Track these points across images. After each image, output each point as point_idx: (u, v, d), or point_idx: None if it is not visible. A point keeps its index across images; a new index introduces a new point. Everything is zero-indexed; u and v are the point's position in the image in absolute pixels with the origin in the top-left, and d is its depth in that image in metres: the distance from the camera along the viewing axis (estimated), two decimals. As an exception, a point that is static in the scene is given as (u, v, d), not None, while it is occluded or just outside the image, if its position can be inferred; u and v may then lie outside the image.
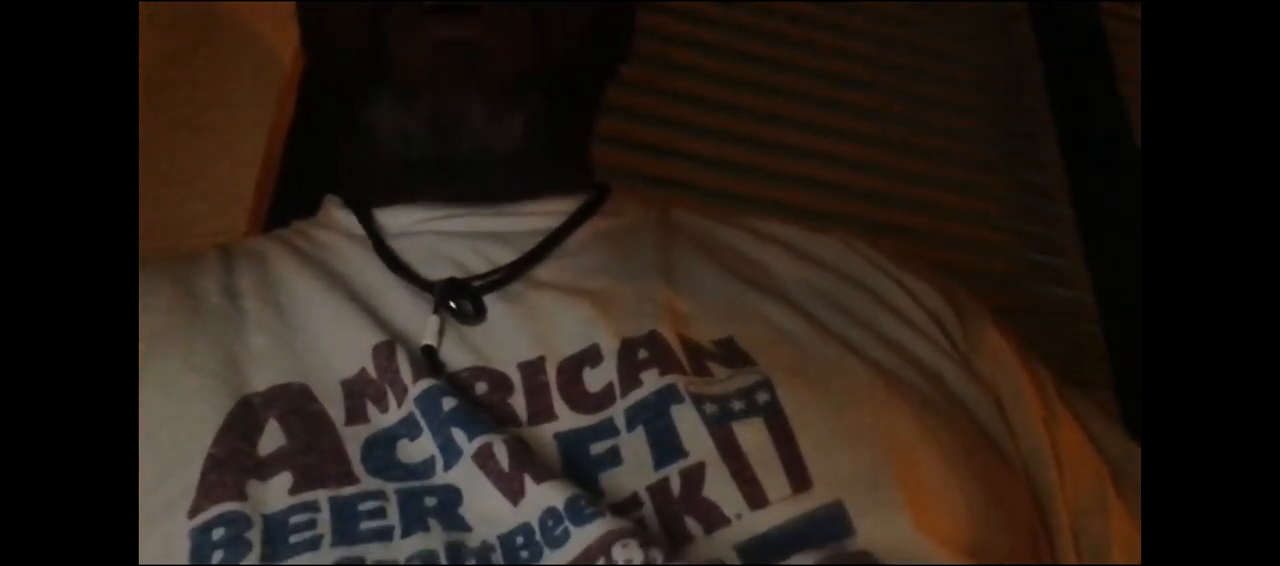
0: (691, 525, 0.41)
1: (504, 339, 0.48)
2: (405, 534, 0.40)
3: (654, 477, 0.42)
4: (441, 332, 0.48)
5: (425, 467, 0.43)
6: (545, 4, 0.54)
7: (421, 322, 0.48)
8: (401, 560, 0.39)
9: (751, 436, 0.43)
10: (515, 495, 0.40)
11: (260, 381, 0.46)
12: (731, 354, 0.47)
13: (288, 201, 0.79)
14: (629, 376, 0.45)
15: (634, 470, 0.42)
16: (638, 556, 0.37)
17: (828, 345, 0.49)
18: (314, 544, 0.40)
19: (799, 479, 0.42)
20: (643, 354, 0.46)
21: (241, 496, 0.41)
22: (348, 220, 0.55)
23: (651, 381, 0.45)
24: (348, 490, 0.42)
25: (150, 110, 0.79)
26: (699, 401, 0.44)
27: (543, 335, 0.47)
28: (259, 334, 0.48)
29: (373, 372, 0.46)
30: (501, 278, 0.50)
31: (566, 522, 0.39)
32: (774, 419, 0.43)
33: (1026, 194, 1.18)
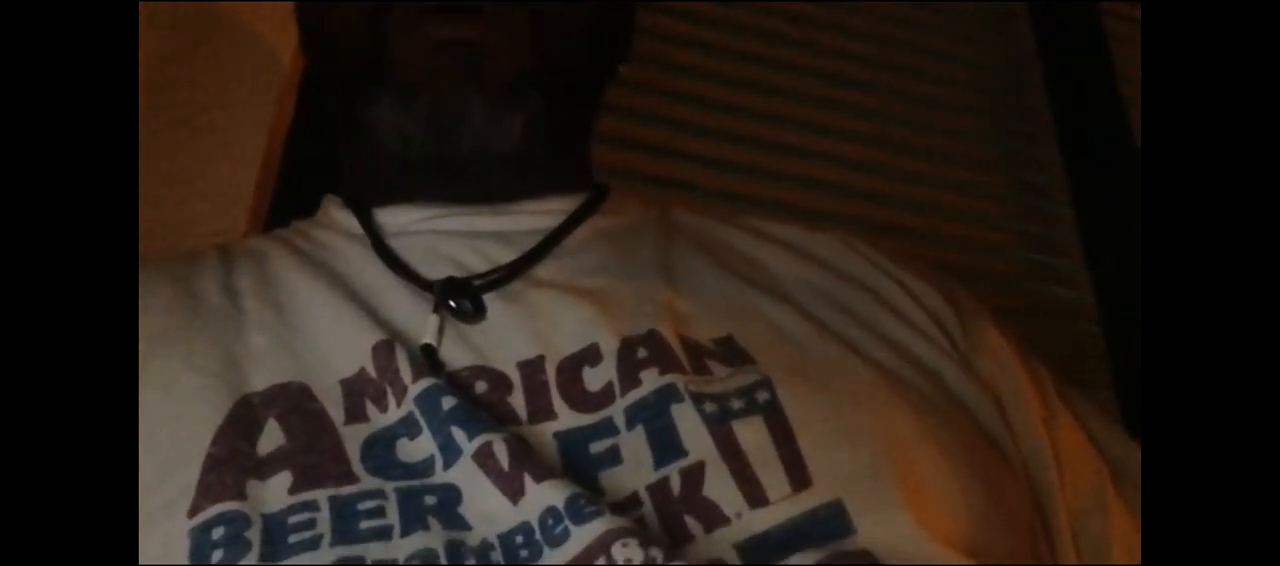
0: (691, 524, 0.41)
1: (503, 338, 0.48)
2: (405, 533, 0.40)
3: (654, 477, 0.42)
4: (441, 331, 0.48)
5: (425, 466, 0.43)
6: (545, 4, 0.54)
7: (421, 322, 0.48)
8: (401, 559, 0.39)
9: (751, 435, 0.43)
10: (515, 494, 0.40)
11: (260, 381, 0.46)
12: (731, 353, 0.47)
13: (288, 201, 0.79)
14: (628, 375, 0.45)
15: (634, 469, 0.42)
16: (638, 555, 0.37)
17: (828, 344, 0.49)
18: (313, 543, 0.40)
19: (799, 478, 0.42)
20: (642, 353, 0.46)
21: (241, 496, 0.41)
22: (347, 220, 0.55)
23: (651, 380, 0.45)
24: (347, 489, 0.42)
25: (150, 110, 0.79)
26: (699, 400, 0.44)
27: (542, 334, 0.47)
28: (259, 333, 0.48)
29: (372, 372, 0.46)
30: (501, 277, 0.50)
31: (566, 521, 0.39)
32: (774, 418, 0.43)
33: (1026, 194, 1.18)
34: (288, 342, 0.48)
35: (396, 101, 0.53)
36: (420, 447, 0.43)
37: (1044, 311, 1.09)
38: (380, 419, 0.45)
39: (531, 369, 0.46)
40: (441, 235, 0.53)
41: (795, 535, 0.40)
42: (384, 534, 0.40)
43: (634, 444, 0.43)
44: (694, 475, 0.42)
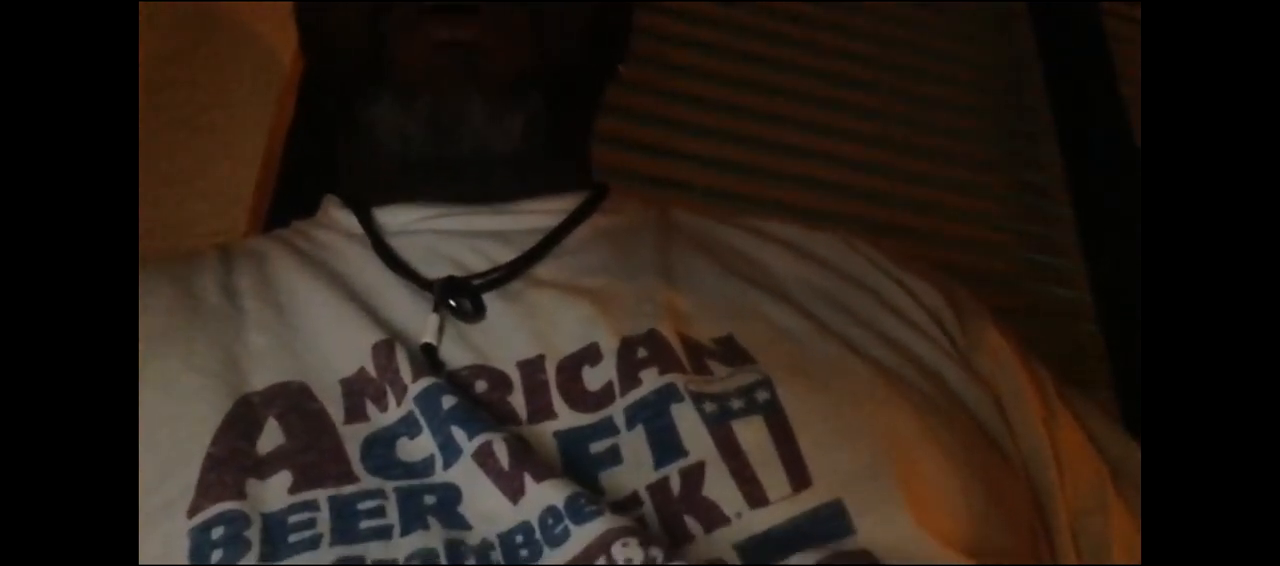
0: (691, 524, 0.41)
1: (503, 337, 0.48)
2: (405, 532, 0.40)
3: (654, 476, 0.42)
4: (441, 331, 0.48)
5: (425, 466, 0.43)
6: (544, 4, 0.54)
7: (421, 321, 0.48)
8: (401, 559, 0.39)
9: (751, 435, 0.43)
10: (515, 493, 0.40)
11: (259, 380, 0.46)
12: (731, 352, 0.47)
13: (288, 201, 0.79)
14: (628, 375, 0.45)
15: (634, 469, 0.42)
16: (638, 555, 0.37)
17: (828, 344, 0.49)
18: (313, 543, 0.40)
19: (799, 477, 0.42)
20: (642, 352, 0.46)
21: (241, 495, 0.41)
22: (347, 219, 0.55)
23: (651, 380, 0.45)
24: (347, 489, 0.42)
25: (150, 110, 0.79)
26: (698, 400, 0.44)
27: (542, 333, 0.47)
28: (258, 333, 0.48)
29: (372, 371, 0.46)
30: (501, 276, 0.50)
31: (566, 521, 0.39)
32: (774, 417, 0.43)
33: (1026, 194, 1.18)
34: (287, 342, 0.48)
35: (396, 101, 0.53)
36: (420, 447, 0.43)
37: (1044, 311, 1.09)
38: (380, 418, 0.45)
39: (531, 368, 0.46)
40: (441, 235, 0.53)
41: (795, 535, 0.40)
42: (384, 533, 0.40)
43: (634, 443, 0.43)
44: (694, 475, 0.42)
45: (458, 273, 0.50)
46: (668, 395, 0.44)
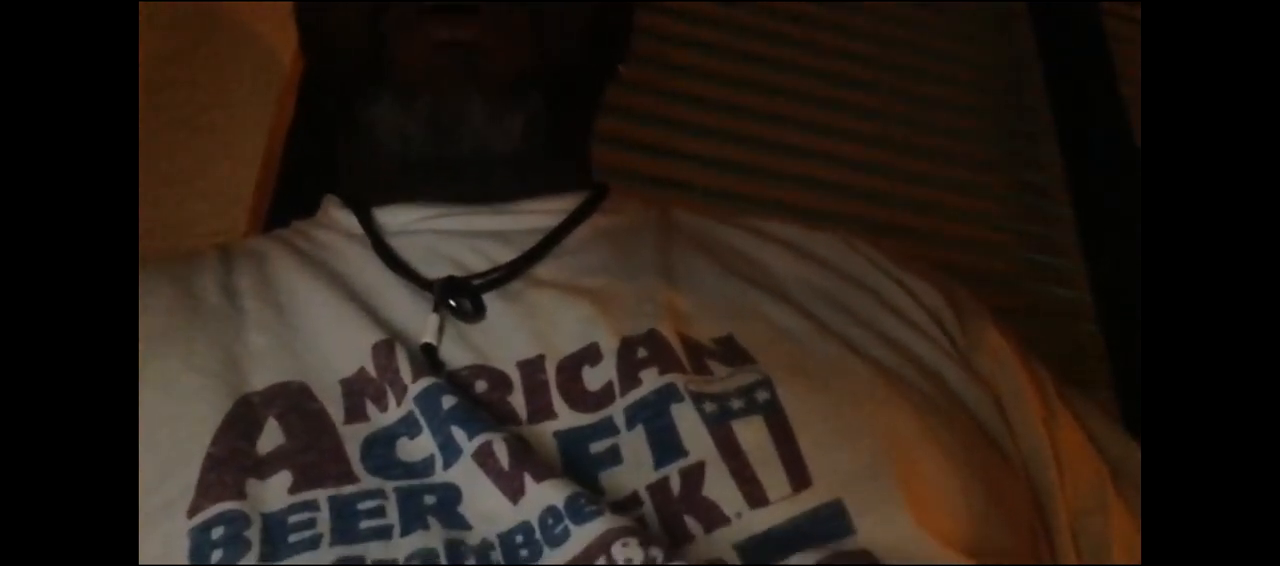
0: (691, 524, 0.41)
1: (503, 337, 0.48)
2: (405, 532, 0.40)
3: (654, 476, 0.42)
4: (441, 331, 0.48)
5: (425, 466, 0.43)
6: (544, 4, 0.54)
7: (421, 321, 0.48)
8: (401, 559, 0.39)
9: (751, 435, 0.43)
10: (515, 493, 0.40)
11: (259, 380, 0.46)
12: (731, 352, 0.47)
13: (288, 201, 0.79)
14: (628, 375, 0.45)
15: (634, 469, 0.42)
16: (638, 555, 0.37)
17: (828, 344, 0.49)
18: (313, 543, 0.40)
19: (799, 477, 0.42)
20: (642, 352, 0.46)
21: (241, 495, 0.41)
22: (347, 219, 0.55)
23: (651, 380, 0.45)
24: (347, 489, 0.42)
25: (150, 110, 0.79)
26: (698, 400, 0.44)
27: (542, 333, 0.47)
28: (258, 333, 0.48)
29: (372, 371, 0.46)
30: (501, 276, 0.50)
31: (566, 521, 0.39)
32: (774, 417, 0.43)
33: (1026, 194, 1.18)
34: (287, 342, 0.48)
35: (396, 101, 0.53)
36: (420, 447, 0.43)
37: (1044, 311, 1.09)
38: (380, 418, 0.45)
39: (531, 368, 0.46)
40: (441, 235, 0.53)
41: (795, 535, 0.40)
42: (384, 533, 0.40)
43: (634, 443, 0.43)
44: (694, 475, 0.42)
45: (458, 272, 0.50)
46: (668, 395, 0.44)
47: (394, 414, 0.44)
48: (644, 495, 0.41)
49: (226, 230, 0.77)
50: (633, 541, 0.38)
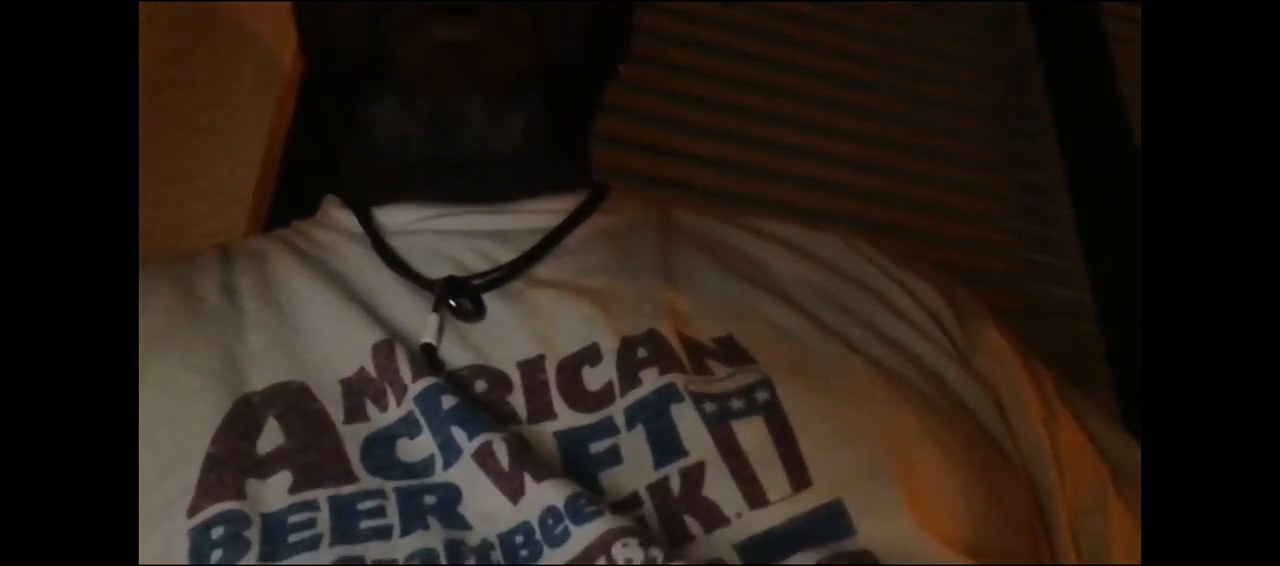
0: (691, 524, 0.41)
1: (503, 337, 0.48)
2: (404, 532, 0.40)
3: (654, 477, 0.42)
4: (441, 331, 0.48)
5: (425, 466, 0.43)
6: (544, 4, 0.54)
7: (421, 321, 0.48)
8: (401, 559, 0.39)
9: (751, 435, 0.43)
10: (515, 493, 0.40)
11: (259, 380, 0.46)
12: (731, 352, 0.47)
13: (288, 201, 0.79)
14: (628, 375, 0.45)
15: (634, 469, 0.42)
16: (638, 555, 0.37)
17: (828, 343, 0.49)
18: (313, 543, 0.40)
19: (799, 478, 0.42)
20: (642, 352, 0.46)
21: (240, 495, 0.41)
22: (347, 219, 0.55)
23: (651, 380, 0.45)
24: (347, 489, 0.42)
25: (150, 110, 0.79)
26: (698, 400, 0.44)
27: (542, 333, 0.47)
28: (258, 333, 0.48)
29: (372, 371, 0.46)
30: (501, 276, 0.50)
31: (566, 521, 0.39)
32: (774, 417, 0.43)
33: (1026, 194, 1.18)
34: (287, 342, 0.48)
35: (396, 101, 0.53)
36: (420, 447, 0.43)
37: (1044, 311, 1.09)
38: (380, 418, 0.45)
39: (531, 368, 0.46)
40: (441, 234, 0.53)
41: (795, 535, 0.40)
42: (384, 533, 0.40)
43: (634, 443, 0.43)
44: (694, 475, 0.42)
45: (458, 272, 0.50)
46: (668, 395, 0.44)
47: (394, 414, 0.44)
48: (644, 495, 0.41)
49: (226, 230, 0.77)
50: (633, 541, 0.38)
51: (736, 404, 0.44)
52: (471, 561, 0.39)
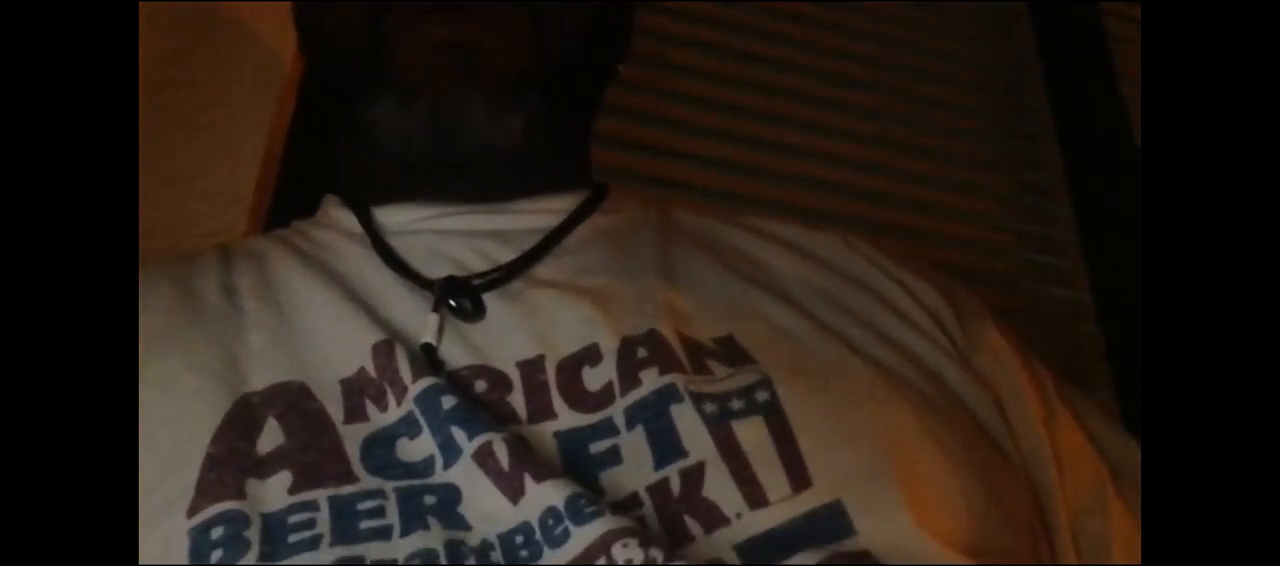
0: (691, 524, 0.41)
1: (503, 337, 0.48)
2: (404, 532, 0.40)
3: (654, 477, 0.42)
4: (441, 331, 0.47)
5: (425, 466, 0.43)
6: (544, 4, 0.54)
7: (421, 321, 0.48)
8: (401, 559, 0.39)
9: (751, 435, 0.43)
10: (515, 494, 0.40)
11: (259, 380, 0.46)
12: (731, 352, 0.47)
13: (288, 201, 0.79)
14: (628, 375, 0.45)
15: (634, 469, 0.42)
16: (638, 556, 0.37)
17: (828, 344, 0.49)
18: (313, 543, 0.40)
19: (799, 478, 0.42)
20: (642, 353, 0.46)
21: (240, 495, 0.41)
22: (347, 219, 0.55)
23: (651, 380, 0.45)
24: (347, 489, 0.42)
25: (150, 110, 0.79)
26: (698, 400, 0.44)
27: (542, 333, 0.47)
28: (258, 333, 0.48)
29: (372, 371, 0.46)
30: (501, 276, 0.50)
31: (566, 521, 0.39)
32: (774, 417, 0.43)
33: (1026, 194, 1.18)
34: (287, 342, 0.48)
35: (396, 101, 0.53)
36: (420, 447, 0.43)
37: (1044, 311, 1.09)
38: (380, 418, 0.45)
39: (531, 368, 0.46)
40: (441, 234, 0.53)
41: (795, 535, 0.40)
42: (384, 533, 0.40)
43: (634, 444, 0.43)
44: (694, 475, 0.42)
45: (458, 272, 0.50)
46: (668, 395, 0.44)
47: (394, 414, 0.44)
48: (644, 495, 0.41)
49: (226, 230, 0.77)
50: (633, 542, 0.38)
51: (736, 404, 0.44)
52: (471, 561, 0.39)
